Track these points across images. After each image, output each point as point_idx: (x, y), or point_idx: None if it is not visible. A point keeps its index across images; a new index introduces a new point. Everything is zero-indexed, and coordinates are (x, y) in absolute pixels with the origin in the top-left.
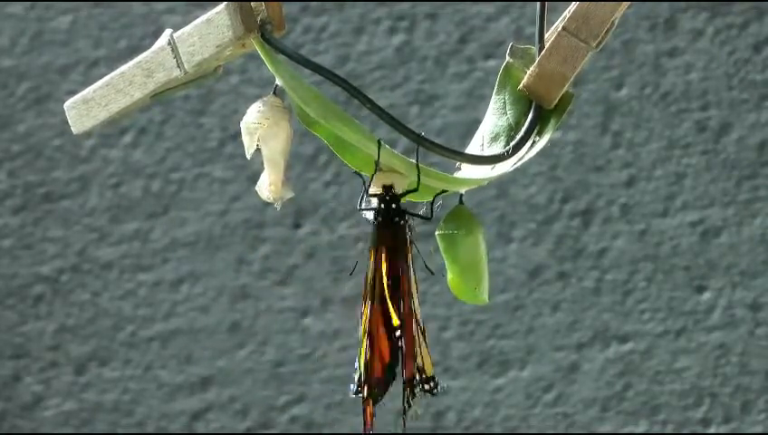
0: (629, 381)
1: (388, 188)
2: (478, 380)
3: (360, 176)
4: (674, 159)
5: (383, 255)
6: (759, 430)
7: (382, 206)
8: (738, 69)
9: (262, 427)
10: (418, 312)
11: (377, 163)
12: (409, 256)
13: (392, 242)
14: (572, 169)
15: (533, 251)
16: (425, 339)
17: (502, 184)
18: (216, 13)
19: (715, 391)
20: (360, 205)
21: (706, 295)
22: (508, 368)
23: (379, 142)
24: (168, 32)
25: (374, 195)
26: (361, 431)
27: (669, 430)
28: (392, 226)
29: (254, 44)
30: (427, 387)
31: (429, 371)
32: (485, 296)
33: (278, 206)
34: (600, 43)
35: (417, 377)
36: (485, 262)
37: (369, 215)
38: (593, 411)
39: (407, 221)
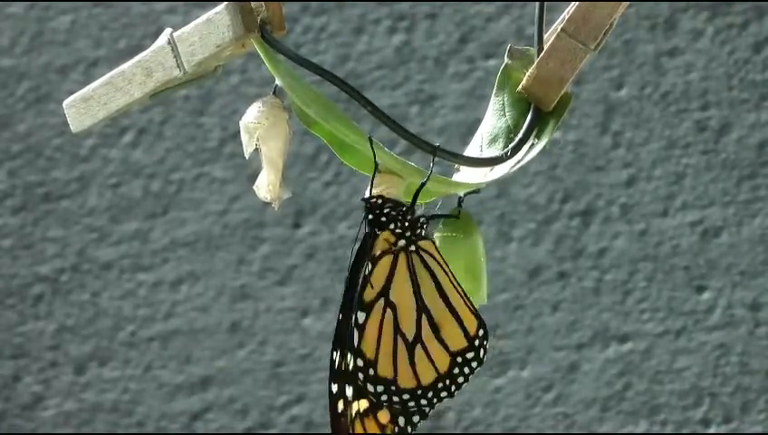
0: (629, 381)
1: (368, 198)
2: (478, 380)
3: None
4: (674, 159)
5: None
6: (759, 429)
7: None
8: (738, 69)
9: (261, 427)
10: (406, 325)
11: (376, 165)
12: (377, 267)
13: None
14: (572, 169)
15: (533, 251)
16: (412, 356)
17: (502, 183)
18: (216, 13)
19: (715, 391)
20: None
21: (706, 295)
22: (508, 368)
23: (370, 140)
24: (167, 31)
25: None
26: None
27: (669, 430)
28: (370, 234)
29: (254, 44)
30: (396, 399)
31: (406, 384)
32: (484, 298)
33: (276, 206)
34: (598, 44)
35: (377, 388)
36: (484, 264)
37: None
38: (593, 411)
39: (389, 229)
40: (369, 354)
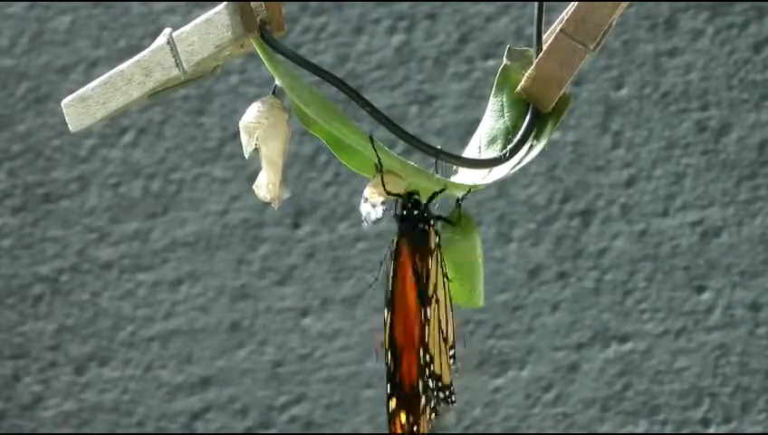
0: (629, 381)
1: (410, 193)
2: (478, 380)
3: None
4: (674, 159)
5: (408, 260)
6: (759, 429)
7: (404, 211)
8: (738, 69)
9: (261, 427)
10: (443, 319)
11: (377, 165)
12: (431, 261)
13: (415, 247)
14: (572, 169)
15: (533, 251)
16: (446, 347)
17: (501, 184)
18: (216, 13)
19: (715, 391)
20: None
21: (706, 295)
22: (508, 368)
23: (371, 139)
24: (167, 31)
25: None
26: (361, 432)
27: (669, 430)
28: (415, 231)
29: (254, 44)
30: (442, 395)
31: (447, 379)
32: (481, 300)
33: (276, 206)
34: (598, 45)
35: (432, 383)
36: (481, 265)
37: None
38: (593, 411)
39: (431, 226)
40: (432, 350)
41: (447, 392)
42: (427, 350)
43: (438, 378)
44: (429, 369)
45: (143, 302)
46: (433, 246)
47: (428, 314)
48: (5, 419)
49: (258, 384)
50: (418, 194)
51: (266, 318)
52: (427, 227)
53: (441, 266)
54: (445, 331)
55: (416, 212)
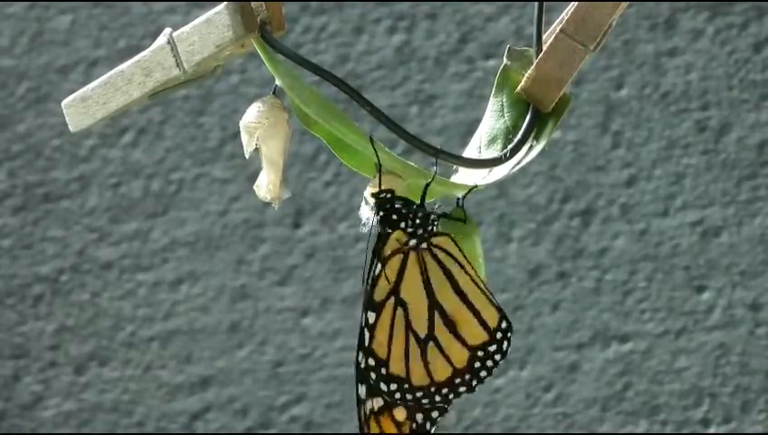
0: (629, 381)
1: (381, 192)
2: None
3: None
4: (674, 159)
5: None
6: (759, 429)
7: (378, 213)
8: (738, 69)
9: (261, 427)
10: (415, 320)
11: (378, 166)
12: (389, 265)
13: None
14: (572, 169)
15: (533, 251)
16: (425, 353)
17: (501, 184)
18: (216, 13)
19: (715, 391)
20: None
21: (706, 295)
22: (508, 368)
23: (371, 140)
24: (167, 31)
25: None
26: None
27: (669, 430)
28: (382, 233)
29: (254, 44)
30: (410, 397)
31: (420, 381)
32: None
33: (276, 205)
34: (598, 45)
35: (386, 387)
36: (482, 265)
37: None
38: (593, 411)
39: (406, 229)
40: (381, 353)
41: (424, 393)
42: (372, 354)
43: (401, 380)
44: (378, 372)
45: (143, 302)
46: (389, 252)
47: (370, 320)
48: (5, 419)
49: (258, 384)
50: (387, 193)
51: (266, 318)
52: (390, 230)
53: (423, 270)
54: (419, 330)
55: (381, 213)
